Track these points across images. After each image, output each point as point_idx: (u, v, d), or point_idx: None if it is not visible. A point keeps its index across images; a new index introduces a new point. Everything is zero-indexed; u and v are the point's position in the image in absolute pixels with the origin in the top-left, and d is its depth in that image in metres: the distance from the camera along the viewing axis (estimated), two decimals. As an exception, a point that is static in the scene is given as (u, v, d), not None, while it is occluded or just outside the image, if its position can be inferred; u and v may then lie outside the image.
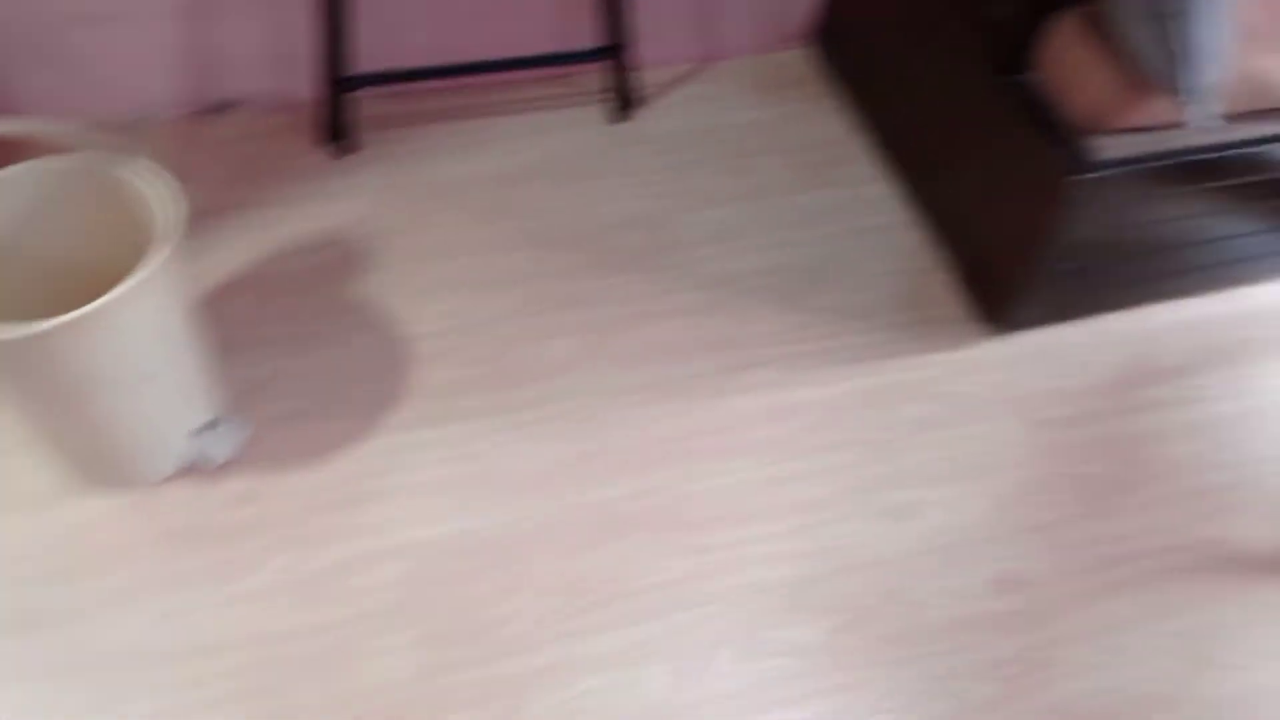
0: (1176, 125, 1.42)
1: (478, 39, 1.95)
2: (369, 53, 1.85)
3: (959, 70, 1.68)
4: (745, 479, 1.50)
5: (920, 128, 1.85)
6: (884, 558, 1.43)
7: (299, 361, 1.58)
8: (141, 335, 1.19)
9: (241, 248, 1.73)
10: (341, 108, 1.85)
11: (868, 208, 1.90)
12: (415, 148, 1.93)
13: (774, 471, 1.51)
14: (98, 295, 1.08)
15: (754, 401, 1.59)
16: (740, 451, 1.53)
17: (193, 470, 1.43)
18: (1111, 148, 1.44)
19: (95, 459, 1.35)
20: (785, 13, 2.14)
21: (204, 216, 1.76)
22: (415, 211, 1.82)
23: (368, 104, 1.95)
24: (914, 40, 1.82)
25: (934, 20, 1.73)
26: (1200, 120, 1.35)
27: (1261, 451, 1.57)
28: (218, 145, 1.90)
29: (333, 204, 1.82)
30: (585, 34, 1.98)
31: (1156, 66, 1.31)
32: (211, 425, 1.42)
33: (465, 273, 1.73)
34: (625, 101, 2.01)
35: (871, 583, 1.40)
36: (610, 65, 1.97)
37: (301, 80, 1.92)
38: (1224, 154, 1.47)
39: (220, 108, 1.94)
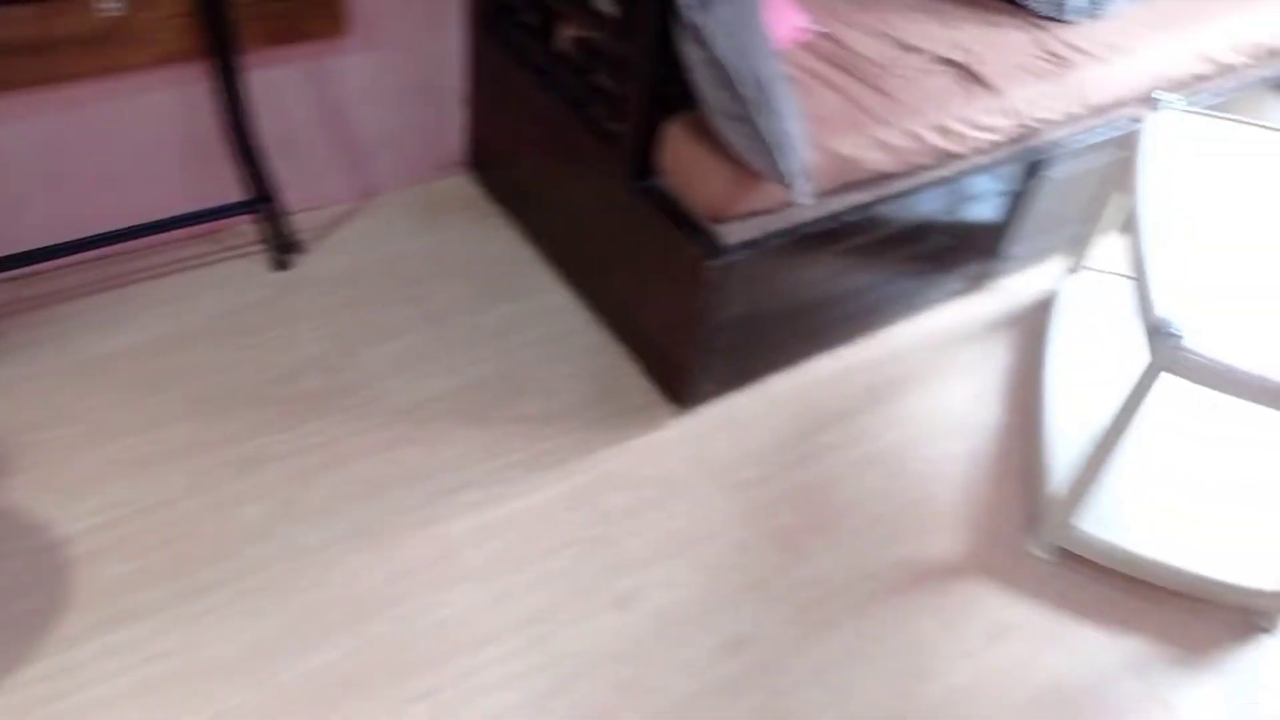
0: (788, 204, 1.61)
1: (108, 208, 1.83)
2: (-23, 236, 1.68)
3: (597, 181, 1.81)
4: (468, 605, 1.46)
5: (578, 235, 1.96)
6: (617, 650, 1.44)
7: (-73, 596, 1.36)
8: None
9: None
10: (-50, 300, 1.65)
11: (547, 315, 1.96)
12: (53, 331, 1.76)
13: (496, 590, 1.49)
14: None
15: (464, 524, 1.57)
16: (458, 579, 1.49)
17: None
18: (739, 231, 1.60)
19: None
20: (437, 141, 2.21)
21: None
22: (59, 400, 1.65)
23: (-14, 291, 1.76)
24: (555, 158, 1.95)
25: (568, 139, 1.86)
26: (803, 197, 1.54)
27: (923, 471, 1.76)
28: None
29: (-47, 408, 1.61)
30: (227, 188, 1.92)
31: (756, 158, 1.49)
32: None
33: (125, 455, 1.58)
34: (284, 249, 1.96)
35: (610, 679, 1.40)
36: (259, 216, 1.92)
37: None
38: (833, 223, 1.69)
39: None
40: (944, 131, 1.74)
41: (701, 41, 1.35)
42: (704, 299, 1.61)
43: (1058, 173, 1.98)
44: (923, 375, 1.94)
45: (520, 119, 2.01)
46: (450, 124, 2.20)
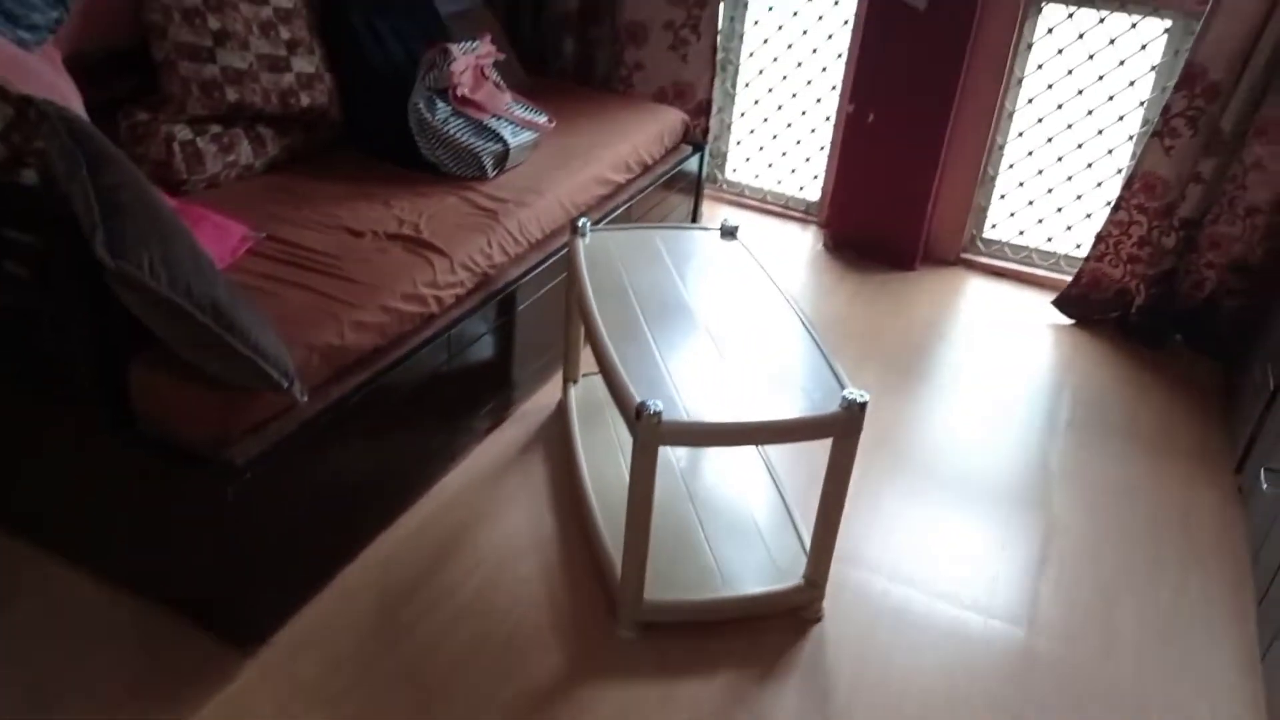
0: (288, 407, 1.60)
1: None
2: None
3: (76, 446, 1.63)
4: None
5: (71, 509, 1.75)
6: None
7: None
8: None
9: None
10: None
11: (56, 608, 1.70)
12: None
13: None
14: None
15: None
16: None
17: None
18: (247, 448, 1.55)
19: None
20: None
21: None
22: None
23: None
24: (14, 435, 1.72)
25: (24, 412, 1.66)
26: (300, 396, 1.55)
27: (508, 603, 1.83)
28: None
29: None
30: None
31: (238, 376, 1.47)
32: None
33: None
34: None
35: None
36: None
37: None
38: (342, 408, 1.71)
39: None
40: (413, 299, 1.87)
41: (135, 286, 1.30)
42: (231, 527, 1.53)
43: (525, 302, 2.23)
44: (480, 514, 2.03)
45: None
46: None
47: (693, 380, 1.68)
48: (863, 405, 1.61)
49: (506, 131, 2.38)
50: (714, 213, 3.52)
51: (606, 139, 2.67)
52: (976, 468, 2.32)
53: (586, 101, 2.96)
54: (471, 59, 2.38)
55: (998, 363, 2.78)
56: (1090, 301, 3.02)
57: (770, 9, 3.34)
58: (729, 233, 2.22)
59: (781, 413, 1.62)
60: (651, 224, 2.27)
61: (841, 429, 1.62)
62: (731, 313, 1.92)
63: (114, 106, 2.06)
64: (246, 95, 2.12)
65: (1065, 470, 2.34)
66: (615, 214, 2.57)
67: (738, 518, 1.98)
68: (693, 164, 3.05)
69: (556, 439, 2.27)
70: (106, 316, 1.43)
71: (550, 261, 2.28)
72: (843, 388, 1.66)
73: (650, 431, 1.53)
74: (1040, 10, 2.95)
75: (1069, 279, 3.07)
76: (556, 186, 2.37)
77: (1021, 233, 3.28)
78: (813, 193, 3.53)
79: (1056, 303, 3.06)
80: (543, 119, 2.51)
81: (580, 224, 2.14)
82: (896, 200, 3.19)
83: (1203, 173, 2.67)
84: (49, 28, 1.66)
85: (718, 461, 2.13)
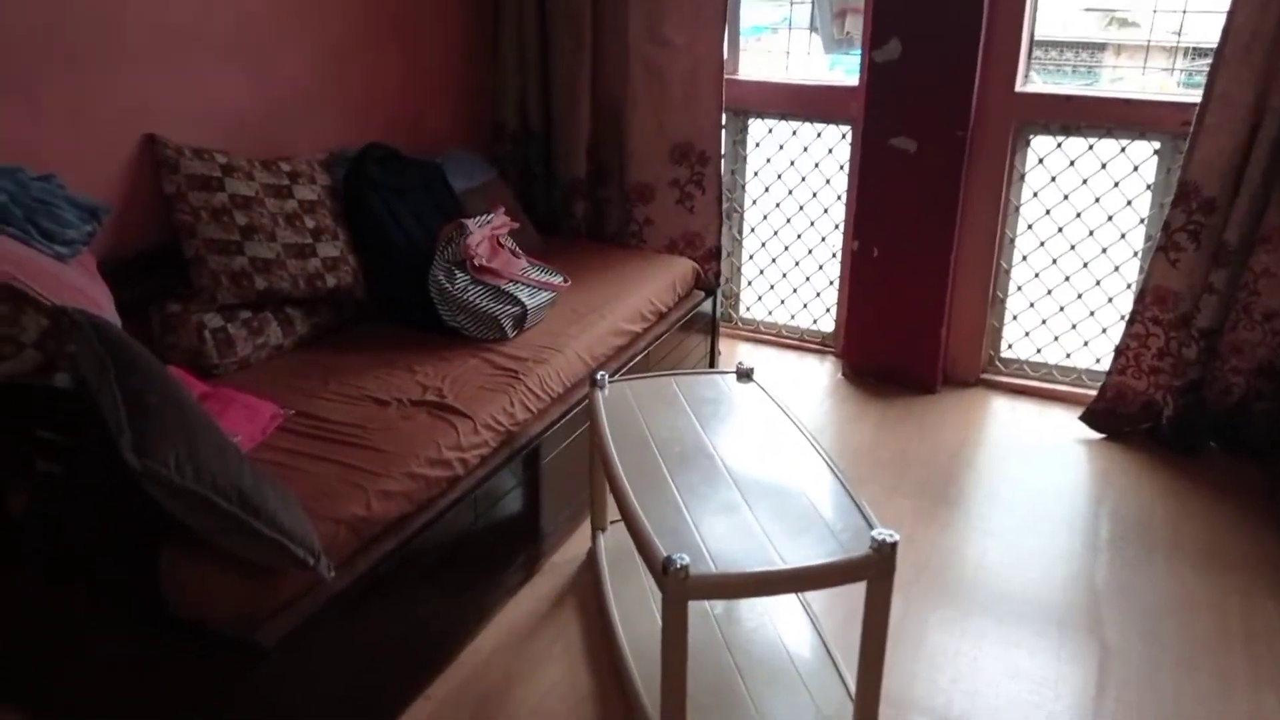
0: (321, 580, 1.61)
1: None
2: None
3: (110, 638, 1.64)
4: None
5: (95, 685, 1.74)
6: None
7: None
8: None
9: None
10: None
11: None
12: None
13: None
14: None
15: None
16: None
17: None
18: (276, 628, 1.55)
19: None
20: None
21: None
22: None
23: None
24: (45, 629, 1.74)
25: (55, 605, 1.68)
26: (327, 573, 1.56)
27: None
28: None
29: None
30: None
31: (265, 558, 1.49)
32: None
33: None
34: None
35: None
36: None
37: None
38: (372, 578, 1.72)
39: None
40: (438, 463, 1.90)
41: (159, 481, 1.34)
42: (257, 711, 1.51)
43: (550, 455, 2.25)
44: (514, 676, 1.99)
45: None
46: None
47: (718, 529, 1.68)
48: (894, 545, 1.59)
49: (524, 294, 2.47)
50: (731, 350, 3.58)
51: (620, 292, 2.75)
52: (1020, 593, 2.26)
53: (599, 257, 3.07)
54: (486, 230, 2.50)
55: (1031, 482, 2.74)
56: (1118, 415, 3.00)
57: (768, 161, 3.50)
58: (745, 375, 2.25)
59: (811, 558, 1.60)
60: (668, 371, 2.32)
61: (874, 571, 1.59)
62: (753, 456, 1.93)
63: (147, 301, 2.18)
64: (275, 282, 2.23)
65: (1113, 590, 2.27)
66: (633, 362, 2.62)
67: (778, 663, 1.93)
68: (707, 307, 3.13)
69: (589, 589, 2.25)
70: (135, 509, 1.47)
71: (573, 413, 2.32)
72: (871, 527, 1.65)
73: (678, 586, 1.52)
74: (1029, 142, 3.07)
75: (1093, 393, 3.06)
76: (574, 341, 2.43)
77: (1039, 350, 3.30)
78: (827, 324, 3.59)
79: (1084, 418, 3.04)
80: (558, 279, 2.61)
81: (599, 377, 2.19)
82: (911, 327, 3.23)
83: (1215, 283, 2.69)
84: (83, 241, 1.77)
85: (753, 603, 2.09)
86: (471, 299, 2.37)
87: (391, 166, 2.59)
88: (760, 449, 1.96)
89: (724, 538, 1.65)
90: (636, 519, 1.68)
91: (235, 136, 2.43)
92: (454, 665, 2.01)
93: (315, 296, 2.34)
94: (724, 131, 3.33)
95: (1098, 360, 3.21)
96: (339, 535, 1.67)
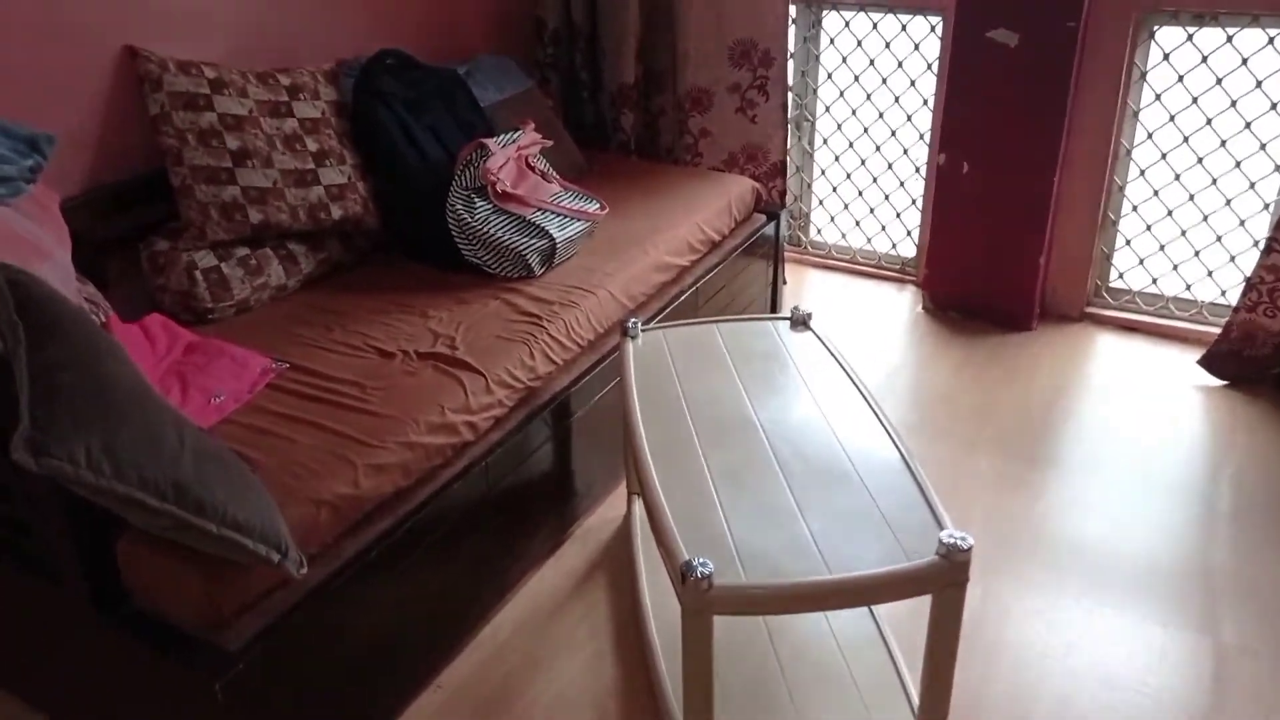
0: (289, 580, 1.41)
1: None
2: None
3: (63, 625, 1.49)
4: None
5: (65, 680, 1.60)
6: None
7: None
8: None
9: None
10: None
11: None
12: None
13: None
14: None
15: None
16: None
17: None
18: (249, 624, 1.37)
19: None
20: None
21: None
22: None
23: None
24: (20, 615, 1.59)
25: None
26: (297, 570, 1.35)
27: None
28: None
29: None
30: None
31: (222, 551, 1.28)
32: None
33: None
34: None
35: None
36: None
37: None
38: (362, 562, 1.51)
39: None
40: (441, 429, 1.67)
41: (67, 479, 1.13)
42: (234, 716, 1.33)
43: (580, 411, 2.00)
44: (534, 662, 1.79)
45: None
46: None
47: (755, 523, 1.41)
48: (967, 550, 1.30)
49: (553, 225, 2.18)
50: (800, 278, 3.24)
51: (667, 220, 2.44)
52: (1119, 578, 1.94)
53: (647, 178, 2.75)
54: (512, 150, 2.21)
55: (1138, 439, 2.38)
56: (1244, 359, 2.59)
57: (844, 60, 3.08)
58: (801, 322, 1.95)
59: (865, 565, 1.32)
60: (713, 318, 2.02)
61: (942, 582, 1.31)
62: (804, 428, 1.64)
63: (138, 235, 1.97)
64: (271, 215, 1.99)
65: (1232, 578, 1.94)
66: (680, 300, 2.33)
67: (829, 664, 1.67)
68: (770, 231, 2.79)
69: (622, 562, 2.02)
70: (75, 503, 1.27)
71: (606, 363, 2.06)
72: (941, 527, 1.36)
73: (699, 599, 1.27)
74: (1153, 34, 2.59)
75: (1214, 330, 2.66)
76: (611, 279, 2.15)
77: (1155, 280, 2.88)
78: (907, 249, 3.21)
79: (1203, 361, 2.64)
80: (594, 206, 2.31)
81: (630, 325, 1.91)
82: (1004, 254, 2.84)
83: (1376, 206, 2.25)
84: (25, 178, 1.55)
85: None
86: (493, 231, 2.10)
87: (407, 77, 2.30)
88: (813, 420, 1.66)
89: (761, 536, 1.38)
90: (658, 508, 1.42)
91: (228, 45, 2.16)
92: (469, 648, 1.82)
93: (320, 229, 2.10)
94: (792, 26, 2.92)
95: (1223, 293, 2.78)
96: (319, 519, 1.46)
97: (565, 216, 2.23)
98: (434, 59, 2.56)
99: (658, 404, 1.71)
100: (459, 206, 2.10)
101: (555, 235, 2.16)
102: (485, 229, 2.09)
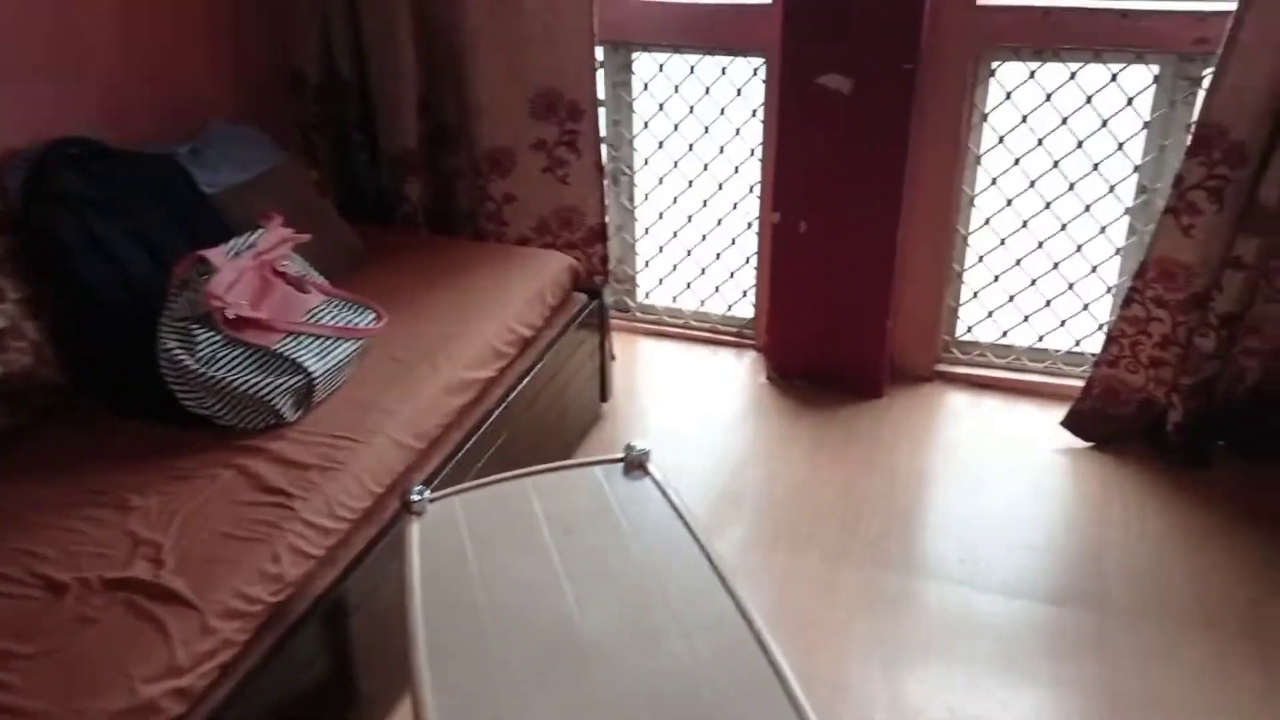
0: None
1: None
2: None
3: None
4: None
5: None
6: None
7: None
8: None
9: None
10: None
11: None
12: None
13: None
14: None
15: None
16: None
17: None
18: None
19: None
20: None
21: None
22: None
23: None
24: None
25: None
26: None
27: None
28: None
29: None
30: None
31: None
32: None
33: None
34: None
35: None
36: None
37: None
38: None
39: None
40: (131, 713, 1.15)
41: None
42: None
43: (361, 605, 1.53)
44: None
45: None
46: None
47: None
48: None
49: (310, 353, 1.69)
50: (630, 349, 2.86)
51: (465, 321, 1.99)
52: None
53: (441, 260, 2.28)
54: (248, 259, 1.70)
55: (1013, 526, 2.12)
56: (1108, 418, 2.40)
57: (661, 107, 2.71)
58: (637, 465, 1.54)
59: None
60: (524, 471, 1.58)
61: None
62: (641, 632, 1.23)
63: None
64: (-119, 384, 1.42)
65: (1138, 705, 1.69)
66: (486, 426, 1.88)
67: None
68: (592, 314, 2.38)
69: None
70: None
71: (391, 532, 1.59)
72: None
73: None
74: (993, 72, 2.35)
75: (1071, 382, 2.47)
76: (390, 419, 1.68)
77: (1005, 334, 2.67)
78: (745, 309, 2.89)
79: (1066, 422, 2.43)
80: (367, 319, 1.83)
81: (414, 497, 1.45)
82: (849, 316, 2.55)
83: (1242, 256, 2.07)
84: None
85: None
86: (223, 375, 1.58)
87: (98, 169, 1.74)
88: (655, 616, 1.26)
89: None
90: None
91: None
92: None
93: (-27, 393, 1.53)
94: (600, 72, 2.54)
95: (1077, 342, 2.60)
96: None
97: (327, 339, 1.74)
98: (155, 137, 2.01)
99: (448, 611, 1.26)
100: (171, 344, 1.58)
101: (312, 368, 1.67)
102: (211, 372, 1.58)
